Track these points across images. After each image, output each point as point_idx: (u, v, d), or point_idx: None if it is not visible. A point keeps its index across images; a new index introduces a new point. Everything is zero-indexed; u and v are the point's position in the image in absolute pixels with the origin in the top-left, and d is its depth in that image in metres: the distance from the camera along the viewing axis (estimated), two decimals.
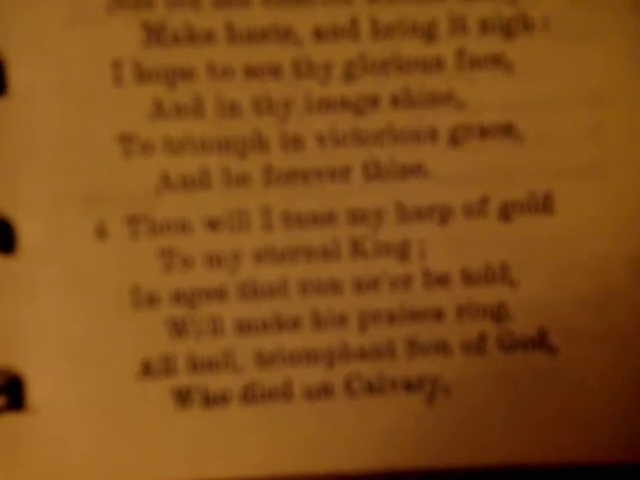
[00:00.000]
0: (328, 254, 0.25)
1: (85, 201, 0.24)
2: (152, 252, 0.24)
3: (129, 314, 0.24)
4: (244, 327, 0.25)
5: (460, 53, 0.24)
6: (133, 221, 0.24)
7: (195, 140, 0.24)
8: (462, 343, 0.25)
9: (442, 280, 0.25)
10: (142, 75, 0.24)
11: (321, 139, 0.24)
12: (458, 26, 0.24)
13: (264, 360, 0.25)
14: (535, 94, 0.24)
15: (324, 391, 0.25)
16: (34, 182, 0.24)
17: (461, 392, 0.25)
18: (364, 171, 0.24)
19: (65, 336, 0.24)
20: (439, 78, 0.24)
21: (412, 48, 0.24)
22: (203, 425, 0.25)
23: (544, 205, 0.25)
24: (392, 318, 0.25)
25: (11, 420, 0.24)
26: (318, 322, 0.25)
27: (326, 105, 0.24)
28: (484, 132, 0.24)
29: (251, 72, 0.24)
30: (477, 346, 0.25)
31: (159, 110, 0.24)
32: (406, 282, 0.25)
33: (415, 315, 0.25)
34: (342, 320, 0.25)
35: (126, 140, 0.24)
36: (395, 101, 0.24)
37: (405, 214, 0.25)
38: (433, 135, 0.24)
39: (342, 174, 0.24)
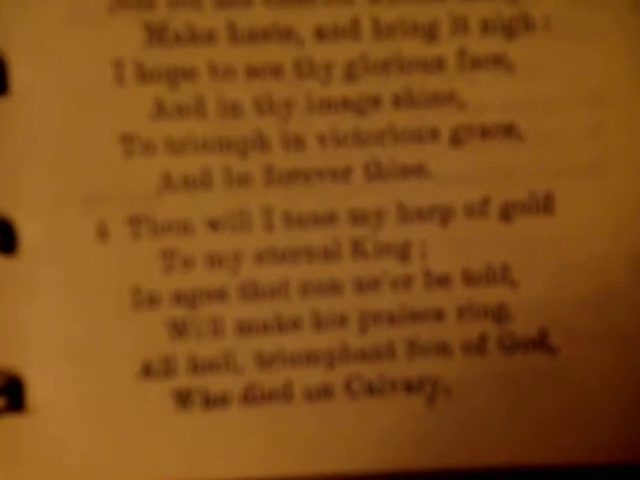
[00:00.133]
0: (329, 254, 0.25)
1: (86, 201, 0.24)
2: (153, 252, 0.24)
3: (129, 314, 0.24)
4: (245, 328, 0.25)
5: (461, 53, 0.24)
6: (134, 221, 0.24)
7: (196, 140, 0.24)
8: (463, 344, 0.25)
9: (443, 281, 0.25)
10: (144, 75, 0.24)
11: (322, 139, 0.24)
12: (459, 26, 0.24)
13: (264, 361, 0.25)
14: (536, 94, 0.24)
15: (324, 392, 0.25)
16: (35, 182, 0.24)
17: (462, 393, 0.25)
18: (365, 171, 0.24)
19: (65, 336, 0.24)
20: (440, 78, 0.24)
21: (413, 48, 0.24)
22: (203, 426, 0.25)
23: (545, 205, 0.25)
24: (393, 319, 0.25)
25: (11, 421, 0.24)
26: (319, 323, 0.25)
27: (327, 105, 0.24)
28: (485, 132, 0.24)
29: (252, 72, 0.24)
30: (478, 347, 0.25)
31: (160, 110, 0.24)
32: (407, 282, 0.25)
33: (416, 316, 0.25)
34: (343, 321, 0.25)
35: (127, 140, 0.24)
36: (396, 101, 0.24)
37: (406, 214, 0.25)
38: (434, 135, 0.24)
39: (343, 174, 0.24)
